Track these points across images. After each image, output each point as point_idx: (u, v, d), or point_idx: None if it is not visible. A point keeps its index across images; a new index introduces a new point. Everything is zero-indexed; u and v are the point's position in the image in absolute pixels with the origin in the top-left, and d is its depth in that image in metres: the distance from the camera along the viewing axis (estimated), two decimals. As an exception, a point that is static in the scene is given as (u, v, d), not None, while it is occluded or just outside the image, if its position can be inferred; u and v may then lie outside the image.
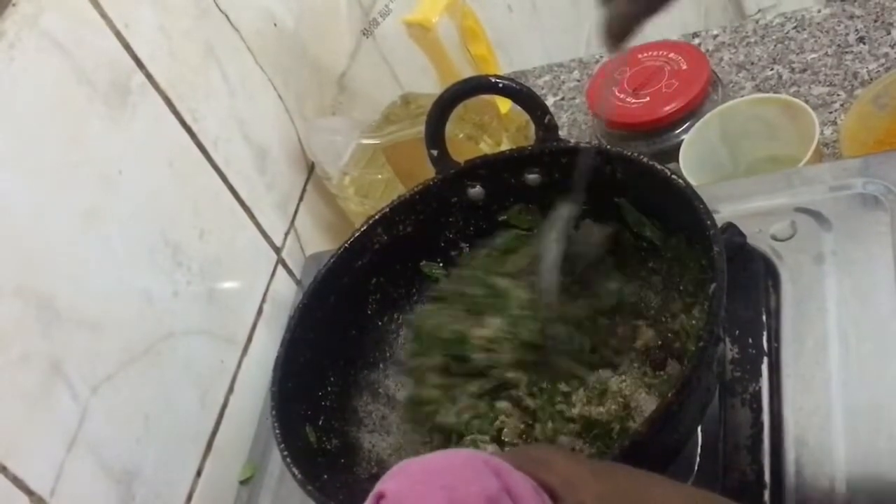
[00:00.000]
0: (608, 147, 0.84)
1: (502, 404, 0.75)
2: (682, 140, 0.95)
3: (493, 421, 0.75)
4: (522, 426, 0.74)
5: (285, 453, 0.70)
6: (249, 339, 0.93)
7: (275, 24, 1.04)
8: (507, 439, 0.74)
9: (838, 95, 1.01)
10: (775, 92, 1.04)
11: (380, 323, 0.85)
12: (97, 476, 0.74)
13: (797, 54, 1.07)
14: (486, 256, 0.82)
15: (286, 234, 1.02)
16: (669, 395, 0.61)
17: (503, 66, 1.17)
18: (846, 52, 1.04)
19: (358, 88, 1.16)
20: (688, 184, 0.73)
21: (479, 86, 0.85)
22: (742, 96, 1.01)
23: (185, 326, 0.86)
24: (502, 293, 0.79)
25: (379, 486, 0.51)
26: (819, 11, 1.10)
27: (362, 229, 0.83)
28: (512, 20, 1.54)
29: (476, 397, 0.77)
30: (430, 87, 1.09)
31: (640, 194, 0.77)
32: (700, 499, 0.55)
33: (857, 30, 1.06)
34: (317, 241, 1.06)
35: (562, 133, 1.01)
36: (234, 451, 0.89)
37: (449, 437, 0.76)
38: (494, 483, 0.50)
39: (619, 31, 0.62)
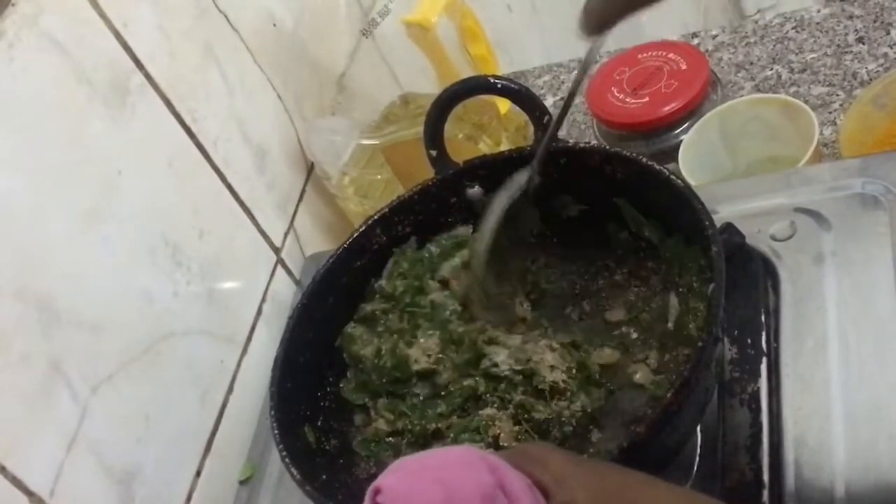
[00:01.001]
0: (607, 147, 0.84)
1: (488, 411, 0.74)
2: (682, 140, 0.95)
3: (488, 429, 0.73)
4: (517, 428, 0.73)
5: (284, 453, 0.71)
6: (249, 339, 0.93)
7: (274, 25, 1.04)
8: (504, 444, 0.73)
9: (838, 95, 1.01)
10: (775, 92, 1.04)
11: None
12: (97, 476, 0.74)
13: (796, 54, 1.07)
14: (419, 261, 0.82)
15: (286, 235, 1.02)
16: (668, 395, 0.61)
17: (503, 66, 1.17)
18: (845, 53, 1.04)
19: (357, 88, 1.16)
20: (687, 184, 0.73)
21: (478, 86, 0.85)
22: (741, 96, 1.01)
23: (185, 326, 0.86)
24: (436, 306, 0.79)
25: (376, 482, 0.51)
26: (818, 11, 1.10)
27: (361, 230, 0.83)
28: (511, 20, 1.54)
29: (446, 416, 0.76)
30: (430, 87, 1.09)
31: (640, 194, 0.77)
32: (693, 501, 0.56)
33: (856, 30, 1.06)
34: (316, 242, 1.06)
35: (561, 133, 1.01)
36: (233, 450, 0.89)
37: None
38: (490, 480, 0.50)
39: (598, 19, 0.61)
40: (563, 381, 0.72)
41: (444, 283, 0.81)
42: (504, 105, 1.05)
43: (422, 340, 0.78)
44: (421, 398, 0.77)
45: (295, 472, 0.69)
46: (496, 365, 0.74)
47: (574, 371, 0.73)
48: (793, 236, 0.79)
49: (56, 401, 0.72)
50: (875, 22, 1.06)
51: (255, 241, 0.97)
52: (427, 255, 0.83)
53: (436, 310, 0.80)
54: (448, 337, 0.77)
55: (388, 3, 1.19)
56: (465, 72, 1.07)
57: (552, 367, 0.73)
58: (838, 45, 1.05)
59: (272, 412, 0.74)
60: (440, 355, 0.77)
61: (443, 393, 0.76)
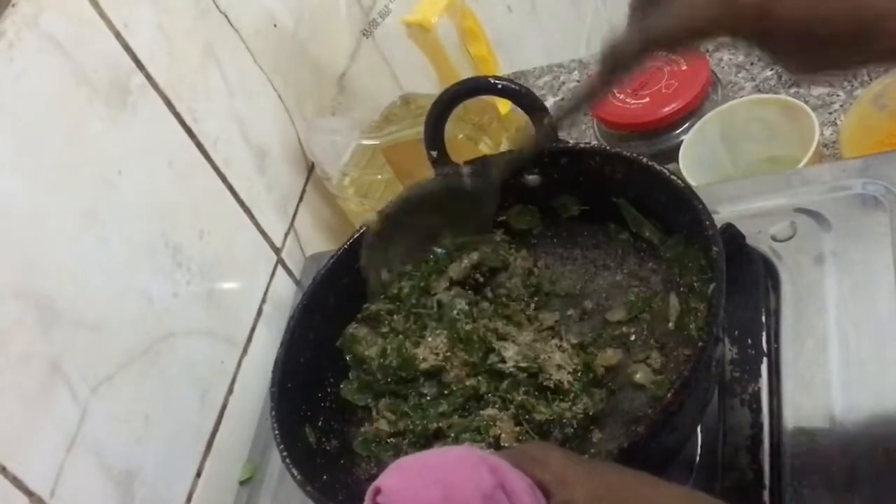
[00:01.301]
0: (608, 147, 0.84)
1: (489, 411, 0.73)
2: (682, 140, 0.95)
3: (489, 429, 0.73)
4: (518, 428, 0.73)
5: (285, 454, 0.71)
6: (249, 340, 0.93)
7: (274, 25, 1.04)
8: (505, 444, 0.73)
9: (838, 96, 1.01)
10: (775, 92, 1.04)
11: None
12: (97, 476, 0.74)
13: (797, 55, 1.07)
14: (425, 262, 0.82)
15: (286, 235, 1.02)
16: (668, 395, 0.61)
17: (503, 67, 1.17)
18: (846, 53, 1.04)
19: (358, 88, 1.16)
20: (687, 184, 0.73)
21: (479, 86, 0.85)
22: (742, 97, 1.01)
23: (185, 327, 0.86)
24: (442, 306, 0.79)
25: (377, 482, 0.52)
26: (819, 12, 1.09)
27: (362, 230, 0.83)
28: (512, 20, 1.54)
29: (447, 416, 0.75)
30: (430, 87, 1.09)
31: (640, 195, 0.77)
32: (693, 499, 0.56)
33: (856, 30, 1.06)
34: (316, 242, 1.06)
35: (561, 133, 1.01)
36: (234, 451, 0.89)
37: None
38: (490, 480, 0.50)
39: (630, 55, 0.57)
40: (568, 381, 0.72)
41: (451, 284, 0.81)
42: (504, 106, 1.05)
43: (429, 339, 0.78)
44: (428, 398, 0.77)
45: (295, 472, 0.69)
46: (504, 360, 0.74)
47: (579, 373, 0.73)
48: (793, 237, 0.79)
49: (56, 401, 0.72)
50: (875, 22, 1.05)
51: (255, 242, 0.97)
52: (433, 256, 0.83)
53: (442, 309, 0.80)
54: (456, 335, 0.77)
55: (388, 3, 1.19)
56: (466, 72, 1.07)
57: (559, 367, 0.73)
58: (839, 46, 1.05)
59: (273, 412, 0.74)
60: (448, 353, 0.77)
61: (446, 392, 0.76)
